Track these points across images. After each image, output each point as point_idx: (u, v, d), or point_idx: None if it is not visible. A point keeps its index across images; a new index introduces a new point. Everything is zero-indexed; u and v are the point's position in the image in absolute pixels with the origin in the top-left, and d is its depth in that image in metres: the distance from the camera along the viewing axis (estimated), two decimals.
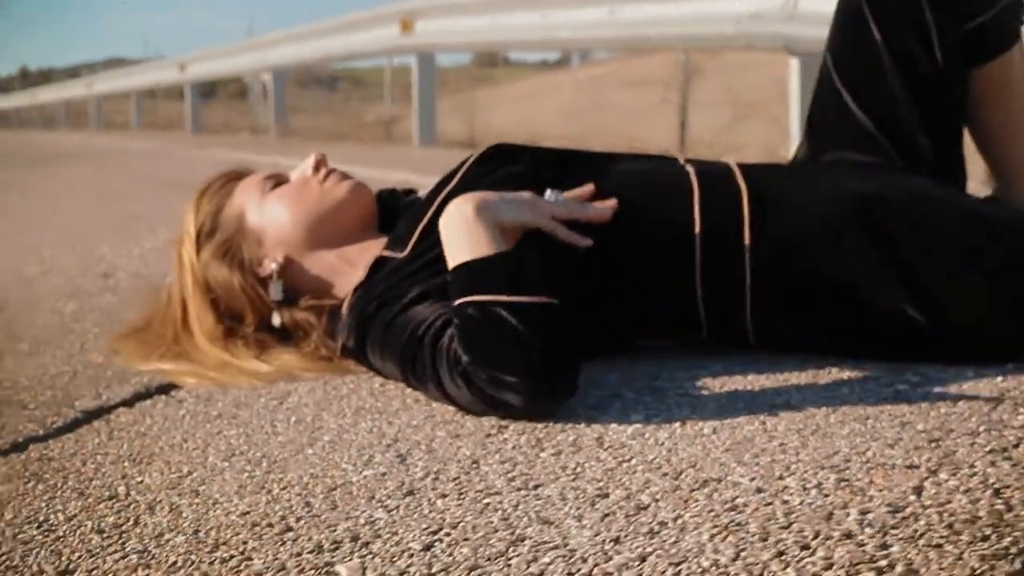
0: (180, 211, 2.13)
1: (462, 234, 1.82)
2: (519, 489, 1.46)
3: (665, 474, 1.49)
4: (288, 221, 2.08)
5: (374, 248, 1.99)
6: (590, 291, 1.96)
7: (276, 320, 2.06)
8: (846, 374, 1.91)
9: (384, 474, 1.53)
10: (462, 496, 1.44)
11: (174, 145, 12.19)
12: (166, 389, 1.99)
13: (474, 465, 1.55)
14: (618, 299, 1.99)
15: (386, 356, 1.87)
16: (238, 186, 2.15)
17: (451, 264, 1.81)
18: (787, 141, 5.94)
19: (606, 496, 1.42)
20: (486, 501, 1.42)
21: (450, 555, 1.26)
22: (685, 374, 1.95)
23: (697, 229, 1.96)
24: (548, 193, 1.97)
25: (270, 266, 2.07)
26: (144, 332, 2.17)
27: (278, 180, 2.14)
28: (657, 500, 1.40)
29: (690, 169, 2.05)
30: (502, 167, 2.04)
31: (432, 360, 1.76)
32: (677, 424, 1.69)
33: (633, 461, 1.54)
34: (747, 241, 1.94)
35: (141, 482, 1.53)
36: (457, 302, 1.75)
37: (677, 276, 1.96)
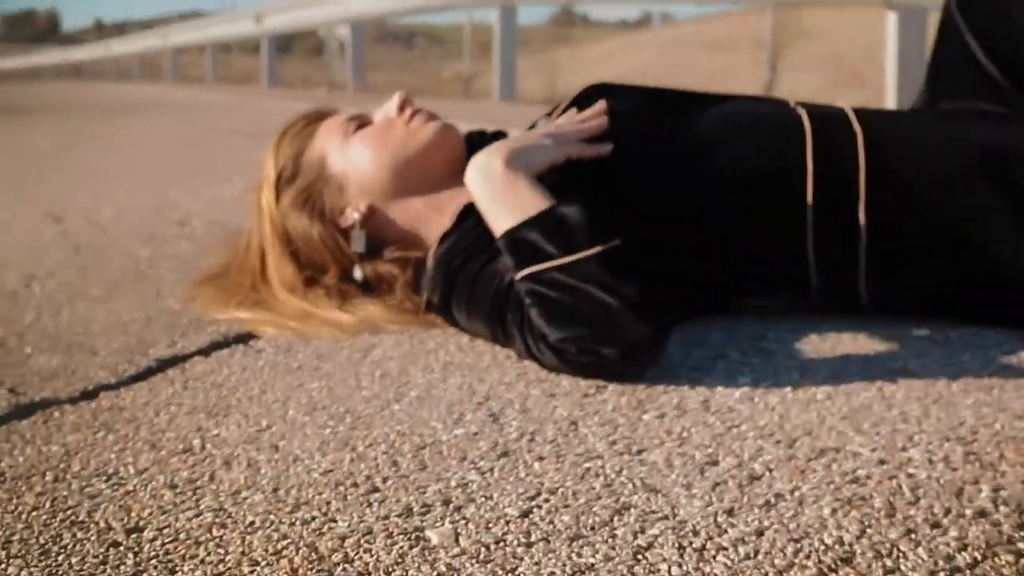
0: (258, 160, 2.03)
1: (497, 193, 1.72)
2: (621, 454, 1.35)
3: (778, 442, 1.38)
4: (372, 166, 1.96)
5: (463, 195, 1.87)
6: (682, 240, 1.84)
7: (358, 274, 1.96)
8: (967, 340, 1.78)
9: (476, 434, 1.43)
10: (560, 459, 1.34)
11: (250, 98, 12.15)
12: (244, 339, 1.89)
13: (572, 427, 1.45)
14: (716, 250, 1.86)
15: (473, 313, 1.77)
16: (319, 128, 2.04)
17: (496, 231, 1.70)
18: (883, 105, 5.75)
19: (715, 464, 1.31)
20: (586, 465, 1.32)
21: (550, 523, 1.16)
22: (792, 335, 1.83)
23: (809, 175, 1.83)
24: (540, 122, 1.89)
25: (352, 216, 1.96)
26: (221, 279, 2.08)
27: (361, 122, 2.03)
28: (771, 470, 1.29)
29: (802, 111, 1.92)
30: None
31: (520, 322, 1.65)
32: (788, 389, 1.58)
33: (743, 427, 1.43)
34: (863, 189, 1.81)
35: (217, 435, 1.44)
36: (518, 276, 1.64)
37: (785, 226, 1.84)
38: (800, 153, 1.84)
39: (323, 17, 13.97)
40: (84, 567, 1.08)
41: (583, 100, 1.97)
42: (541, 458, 1.34)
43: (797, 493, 1.23)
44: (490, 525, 1.16)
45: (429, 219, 1.95)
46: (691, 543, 1.11)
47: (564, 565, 1.07)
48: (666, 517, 1.17)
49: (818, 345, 1.79)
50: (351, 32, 13.39)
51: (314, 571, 1.07)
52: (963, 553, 1.08)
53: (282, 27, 16.10)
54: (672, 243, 1.84)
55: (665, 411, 1.50)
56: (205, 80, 20.01)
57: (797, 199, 1.83)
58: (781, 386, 1.59)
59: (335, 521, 1.17)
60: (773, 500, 1.21)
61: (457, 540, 1.13)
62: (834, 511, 1.18)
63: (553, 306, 1.60)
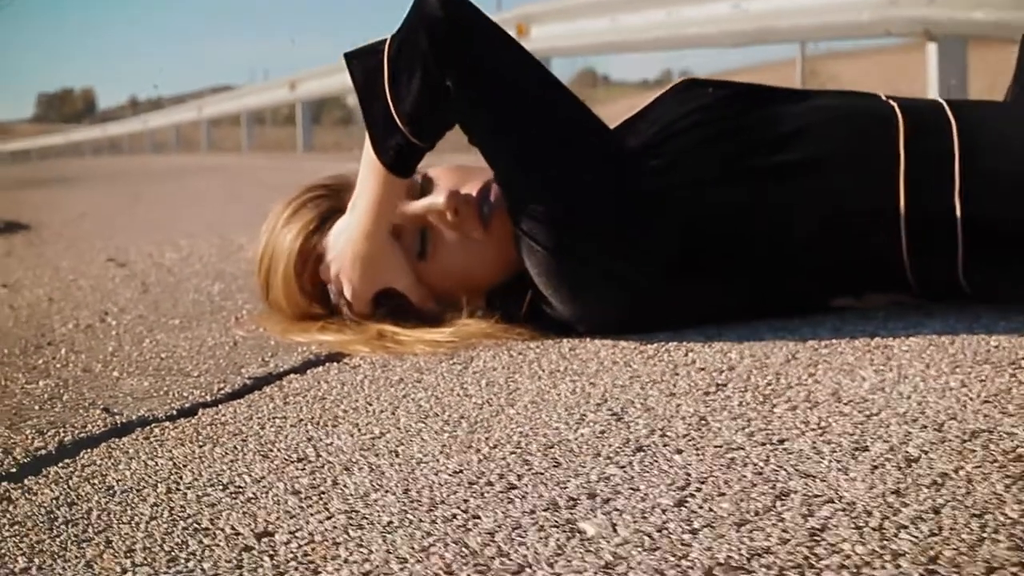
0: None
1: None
2: (763, 444, 1.27)
3: (924, 427, 1.30)
4: (417, 297, 1.91)
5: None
6: (773, 232, 1.78)
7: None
8: None
9: (603, 432, 1.35)
10: (700, 451, 1.26)
11: (288, 162, 12.16)
12: (335, 358, 1.83)
13: (702, 422, 1.37)
14: (808, 242, 1.79)
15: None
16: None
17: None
18: None
19: (866, 449, 1.23)
20: (730, 456, 1.24)
21: (709, 510, 1.08)
22: (904, 329, 1.76)
23: (901, 165, 1.76)
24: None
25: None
26: (294, 307, 2.00)
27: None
28: (926, 452, 1.21)
29: (894, 103, 1.85)
30: (694, 100, 1.86)
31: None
32: (917, 379, 1.50)
33: (882, 415, 1.35)
34: (957, 179, 1.74)
35: (330, 444, 1.36)
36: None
37: (877, 217, 1.77)
38: (893, 143, 1.79)
39: None
40: (218, 571, 1.01)
41: (678, 93, 1.91)
42: (679, 451, 1.26)
43: (962, 472, 1.15)
44: (646, 515, 1.08)
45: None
46: (867, 523, 1.03)
47: (738, 548, 0.99)
48: (831, 500, 1.09)
49: (933, 338, 1.71)
50: None
51: (469, 566, 0.99)
52: None
53: (316, 93, 16.15)
54: (763, 235, 1.78)
55: (796, 404, 1.42)
56: (240, 149, 20.07)
57: (889, 192, 1.77)
58: (908, 377, 1.51)
59: (479, 518, 1.10)
60: (939, 480, 1.13)
61: (615, 530, 1.05)
62: (1007, 487, 1.09)
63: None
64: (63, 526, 1.13)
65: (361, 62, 1.79)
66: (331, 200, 1.91)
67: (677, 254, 1.75)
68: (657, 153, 1.79)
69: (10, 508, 1.20)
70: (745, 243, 1.78)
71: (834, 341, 1.74)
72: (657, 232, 1.75)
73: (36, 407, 1.61)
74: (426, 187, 1.88)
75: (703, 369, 1.62)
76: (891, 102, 1.86)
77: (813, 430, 1.31)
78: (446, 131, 1.78)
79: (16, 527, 1.14)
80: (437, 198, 1.84)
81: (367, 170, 1.80)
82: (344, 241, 1.85)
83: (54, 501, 1.21)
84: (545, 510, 1.11)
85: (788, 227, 1.79)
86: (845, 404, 1.41)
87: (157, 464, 1.32)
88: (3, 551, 1.08)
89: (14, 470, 1.32)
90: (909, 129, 1.78)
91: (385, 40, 1.76)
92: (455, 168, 1.91)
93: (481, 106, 1.73)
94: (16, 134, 48.90)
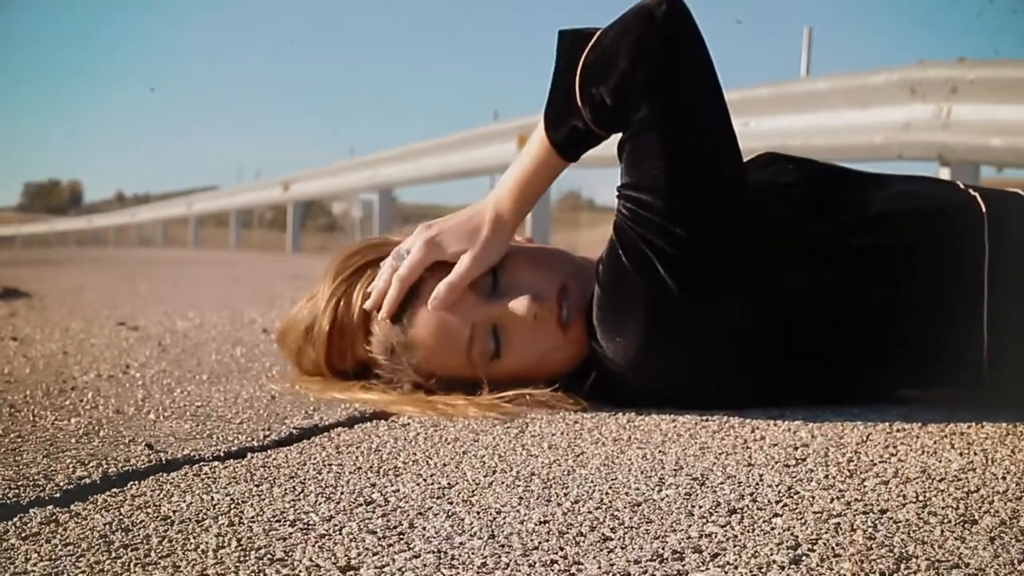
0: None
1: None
2: (864, 513, 1.20)
3: None
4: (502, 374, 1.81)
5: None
6: (851, 317, 1.72)
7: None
8: None
9: (688, 494, 1.26)
10: (799, 515, 1.18)
11: (280, 258, 12.10)
12: (382, 415, 1.74)
13: (791, 490, 1.29)
14: (890, 335, 1.73)
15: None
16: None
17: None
18: None
19: (975, 522, 1.17)
20: (833, 521, 1.16)
21: (830, 568, 1.00)
22: (977, 419, 1.72)
23: (987, 259, 1.70)
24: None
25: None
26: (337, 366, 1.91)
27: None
28: None
29: (974, 193, 1.80)
30: (776, 175, 1.81)
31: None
32: (1007, 463, 1.44)
33: (982, 492, 1.31)
34: None
35: (397, 491, 1.27)
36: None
37: (960, 307, 1.71)
38: (977, 231, 1.73)
39: (352, 184, 14.01)
40: None
41: (763, 166, 1.85)
42: (776, 515, 1.18)
43: None
44: (761, 570, 0.99)
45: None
46: None
47: None
48: (957, 566, 1.01)
49: (1010, 427, 1.65)
50: (378, 202, 13.34)
51: None
52: None
53: (310, 194, 16.17)
54: (844, 317, 1.72)
55: (886, 479, 1.35)
56: (228, 248, 20.04)
57: (974, 277, 1.71)
58: (997, 460, 1.45)
59: (581, 564, 1.01)
60: None
61: None
62: None
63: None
64: (122, 550, 1.04)
65: (568, 40, 1.75)
66: (373, 267, 1.82)
67: (771, 328, 1.69)
68: (763, 222, 1.73)
69: (59, 530, 1.11)
70: (826, 324, 1.71)
71: (907, 426, 1.67)
72: (757, 305, 1.69)
73: (72, 440, 1.51)
74: (499, 281, 1.79)
75: (775, 444, 1.54)
76: (971, 191, 1.81)
77: (913, 503, 1.24)
78: (620, 132, 1.73)
79: (70, 547, 1.05)
80: (516, 304, 1.75)
81: (528, 149, 1.77)
82: (474, 209, 1.80)
83: (107, 526, 1.12)
84: (651, 560, 1.02)
85: (873, 312, 1.73)
86: (939, 481, 1.34)
87: (213, 499, 1.23)
88: (60, 569, 0.98)
89: (58, 495, 1.23)
90: (992, 219, 1.73)
91: (598, 30, 1.73)
92: (529, 256, 1.82)
93: (658, 132, 1.67)
94: (0, 221, 48.81)
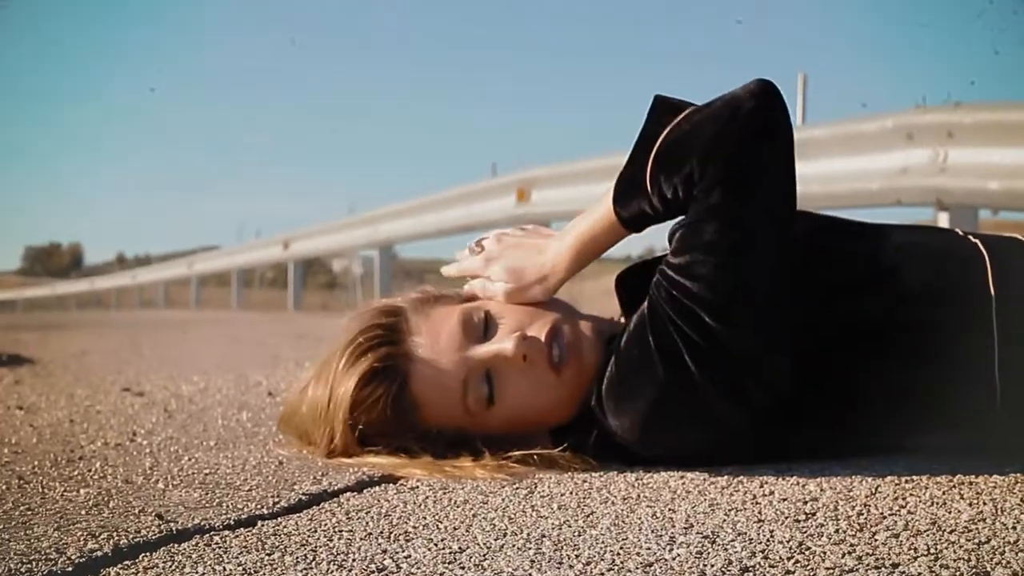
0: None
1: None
2: (876, 568, 1.21)
3: None
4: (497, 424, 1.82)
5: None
6: (862, 364, 1.72)
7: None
8: None
9: (700, 553, 1.26)
10: (811, 571, 1.20)
11: (280, 318, 12.10)
12: (390, 479, 1.74)
13: (802, 546, 1.29)
14: (897, 376, 1.73)
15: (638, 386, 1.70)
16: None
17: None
18: None
19: (988, 574, 1.15)
20: None
21: None
22: (984, 469, 1.72)
23: (994, 306, 1.71)
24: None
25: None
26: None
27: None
28: None
29: (974, 240, 1.81)
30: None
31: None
32: (1017, 512, 1.44)
33: (992, 543, 1.31)
34: None
35: (408, 556, 1.27)
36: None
37: (970, 353, 1.71)
38: (982, 278, 1.73)
39: (352, 241, 14.05)
40: None
41: None
42: (788, 572, 1.19)
43: None
44: None
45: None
46: None
47: None
48: None
49: (1019, 476, 1.64)
50: (378, 258, 13.35)
51: None
52: None
53: (310, 252, 16.20)
54: (857, 369, 1.72)
55: (896, 532, 1.35)
56: (230, 307, 20.06)
57: (982, 323, 1.71)
58: (1007, 510, 1.46)
59: None
60: None
61: None
62: None
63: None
64: None
65: (658, 109, 1.75)
66: (390, 347, 1.81)
67: (786, 391, 1.69)
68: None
69: None
70: (840, 376, 1.71)
71: (915, 477, 1.67)
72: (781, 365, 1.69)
73: (82, 512, 1.51)
74: (489, 324, 1.80)
75: (785, 499, 1.54)
76: (971, 238, 1.81)
77: (925, 555, 1.24)
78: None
79: None
80: (504, 344, 1.76)
81: (598, 210, 1.79)
82: (538, 246, 1.86)
83: None
84: None
85: (890, 361, 1.73)
86: (949, 533, 1.34)
87: (226, 569, 1.23)
88: None
89: (70, 569, 1.23)
90: (994, 265, 1.74)
91: (691, 107, 1.73)
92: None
93: (718, 225, 1.66)
94: (1, 285, 48.86)
